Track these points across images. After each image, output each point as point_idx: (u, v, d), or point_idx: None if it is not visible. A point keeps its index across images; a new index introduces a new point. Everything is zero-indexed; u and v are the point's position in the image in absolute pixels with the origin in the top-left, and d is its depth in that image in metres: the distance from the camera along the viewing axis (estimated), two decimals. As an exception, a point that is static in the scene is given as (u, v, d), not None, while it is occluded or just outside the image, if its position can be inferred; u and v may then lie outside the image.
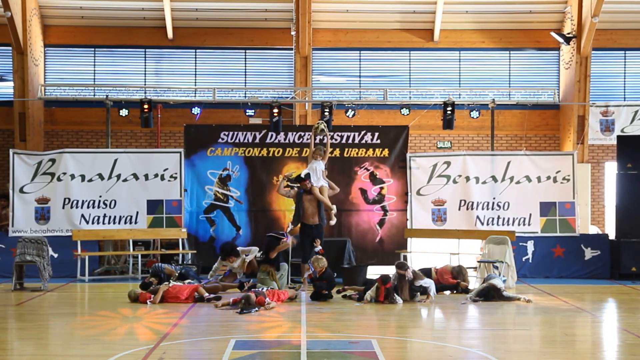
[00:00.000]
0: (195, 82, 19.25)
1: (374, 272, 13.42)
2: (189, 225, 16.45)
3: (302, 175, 14.01)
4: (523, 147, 18.97)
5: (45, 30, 19.14)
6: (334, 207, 14.04)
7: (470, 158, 16.68)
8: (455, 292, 13.31)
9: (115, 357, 8.12)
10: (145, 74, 19.38)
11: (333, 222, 14.12)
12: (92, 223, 16.13)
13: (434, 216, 16.50)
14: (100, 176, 16.25)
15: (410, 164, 16.52)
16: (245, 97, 18.62)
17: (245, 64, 19.47)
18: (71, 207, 16.11)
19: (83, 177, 16.20)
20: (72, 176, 16.18)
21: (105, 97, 17.36)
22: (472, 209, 16.40)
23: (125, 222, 16.20)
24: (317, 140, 14.51)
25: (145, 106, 16.91)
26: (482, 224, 16.31)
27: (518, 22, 19.27)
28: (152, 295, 12.09)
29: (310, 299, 12.45)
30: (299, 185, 14.26)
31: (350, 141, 16.73)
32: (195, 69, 19.40)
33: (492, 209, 16.28)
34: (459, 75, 19.53)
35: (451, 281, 13.38)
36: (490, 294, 12.40)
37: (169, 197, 16.25)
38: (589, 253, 16.03)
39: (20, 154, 16.30)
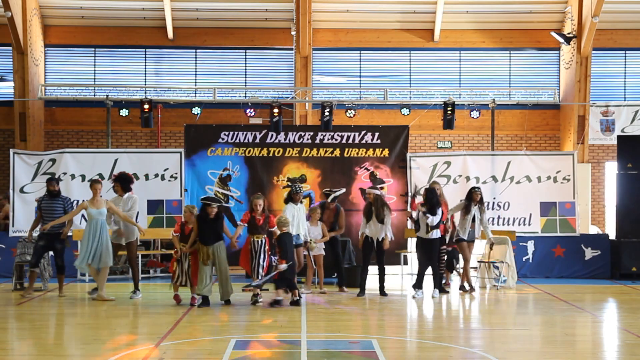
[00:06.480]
0: (196, 82, 19.26)
1: (374, 272, 13.38)
2: (189, 225, 16.43)
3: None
4: (523, 147, 18.97)
5: (46, 30, 19.15)
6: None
7: (471, 158, 16.67)
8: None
9: (115, 357, 8.12)
10: (145, 74, 19.39)
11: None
12: (92, 223, 16.08)
13: (435, 216, 16.46)
14: (101, 176, 16.20)
15: (410, 164, 16.50)
16: (245, 97, 18.62)
17: (246, 64, 19.48)
18: (71, 207, 16.06)
19: (83, 177, 16.18)
20: (73, 176, 16.17)
21: (105, 97, 17.36)
22: (472, 209, 16.37)
23: (126, 222, 16.16)
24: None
25: (146, 106, 16.91)
26: (483, 223, 16.29)
27: (518, 22, 19.28)
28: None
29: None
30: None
31: (350, 141, 16.71)
32: (196, 69, 19.40)
33: (492, 209, 16.26)
34: (459, 75, 19.53)
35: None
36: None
37: (170, 197, 16.21)
38: (589, 253, 16.02)
39: (20, 154, 16.28)
